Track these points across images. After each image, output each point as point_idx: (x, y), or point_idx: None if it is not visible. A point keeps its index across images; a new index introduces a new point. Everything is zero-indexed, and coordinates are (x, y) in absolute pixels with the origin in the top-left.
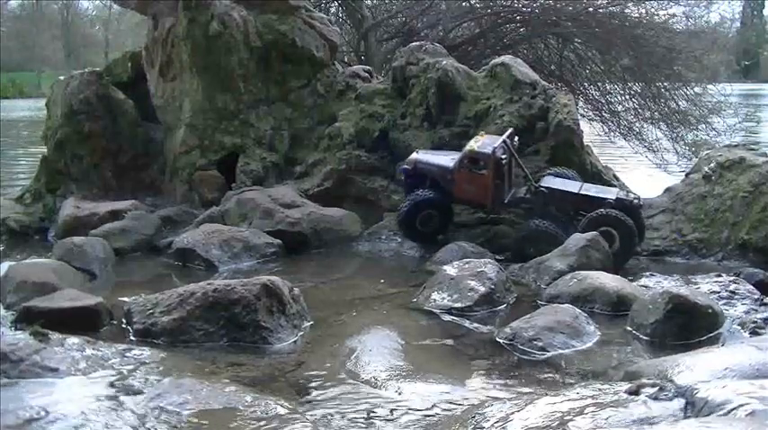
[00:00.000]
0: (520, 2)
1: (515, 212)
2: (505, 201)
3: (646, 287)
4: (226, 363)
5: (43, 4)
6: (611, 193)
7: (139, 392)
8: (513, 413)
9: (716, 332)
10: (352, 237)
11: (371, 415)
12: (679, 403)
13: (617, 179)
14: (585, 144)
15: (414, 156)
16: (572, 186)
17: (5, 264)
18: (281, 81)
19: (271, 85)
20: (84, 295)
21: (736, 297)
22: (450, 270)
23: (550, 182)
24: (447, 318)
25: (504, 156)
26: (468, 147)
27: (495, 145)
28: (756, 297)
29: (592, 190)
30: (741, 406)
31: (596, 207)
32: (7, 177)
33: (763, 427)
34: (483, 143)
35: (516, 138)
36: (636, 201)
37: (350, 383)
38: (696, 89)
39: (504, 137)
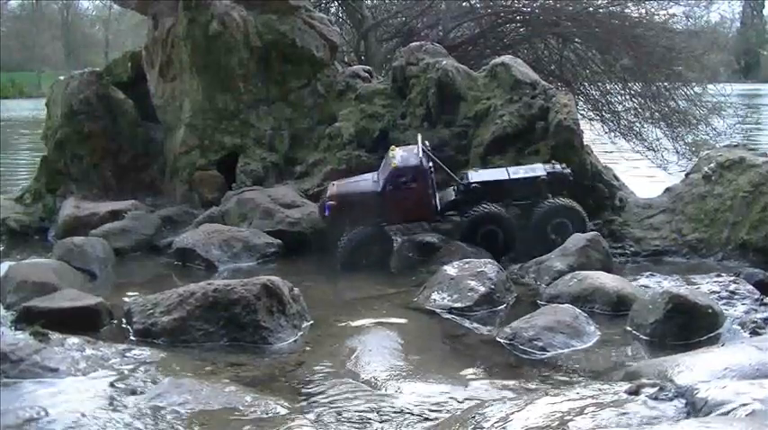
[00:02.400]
0: (520, 2)
1: None
2: (440, 208)
3: (646, 287)
4: (226, 363)
5: (43, 4)
6: (540, 170)
7: (139, 392)
8: (513, 413)
9: (716, 332)
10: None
11: (371, 415)
12: (679, 403)
13: (617, 179)
14: (585, 144)
15: (334, 189)
16: (500, 174)
17: (5, 264)
18: (281, 81)
19: (271, 85)
20: (84, 295)
21: (736, 297)
22: (451, 270)
23: (477, 176)
24: (447, 317)
25: (429, 164)
26: (392, 166)
27: (418, 154)
28: (756, 297)
29: (520, 172)
30: (741, 406)
31: (531, 187)
32: (7, 177)
33: (764, 427)
34: (402, 157)
35: (426, 143)
36: (566, 170)
37: (350, 383)
38: (696, 89)
39: (420, 144)
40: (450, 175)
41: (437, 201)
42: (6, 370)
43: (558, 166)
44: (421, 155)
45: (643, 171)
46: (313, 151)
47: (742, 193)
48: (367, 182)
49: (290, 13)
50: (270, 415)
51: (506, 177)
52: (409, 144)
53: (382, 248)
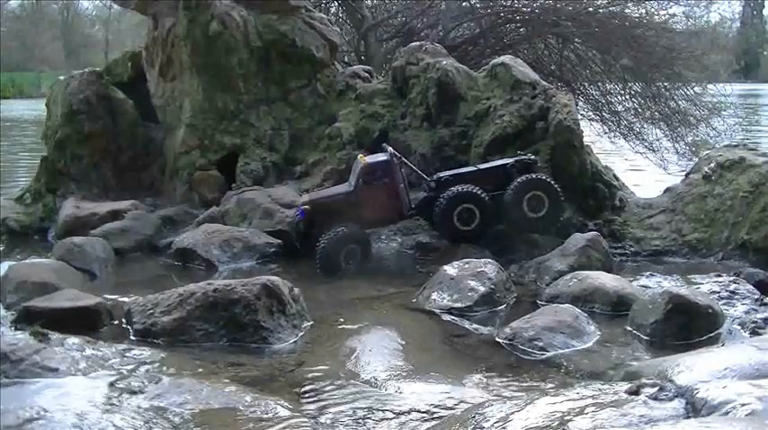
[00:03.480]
0: (520, 2)
1: None
2: (412, 207)
3: (646, 287)
4: (226, 363)
5: (43, 4)
6: (509, 159)
7: (139, 392)
8: (513, 413)
9: (716, 332)
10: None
11: (371, 415)
12: (679, 403)
13: (617, 179)
14: (585, 144)
15: (306, 197)
16: (467, 169)
17: (5, 264)
18: (280, 81)
19: (271, 85)
20: (84, 295)
21: (736, 297)
22: (451, 270)
23: (445, 173)
24: (447, 317)
25: (399, 161)
26: (362, 164)
27: (387, 154)
28: (756, 297)
29: (490, 163)
30: (741, 406)
31: (501, 176)
32: (7, 177)
33: (764, 427)
34: (372, 156)
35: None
36: (531, 157)
37: (350, 383)
38: (696, 89)
39: (389, 149)
40: (420, 175)
41: (409, 198)
42: (6, 370)
43: (523, 156)
44: (390, 151)
45: (643, 171)
46: (313, 151)
47: (742, 193)
48: (339, 186)
49: (290, 13)
50: (270, 415)
51: (475, 168)
52: (409, 144)
53: (361, 248)
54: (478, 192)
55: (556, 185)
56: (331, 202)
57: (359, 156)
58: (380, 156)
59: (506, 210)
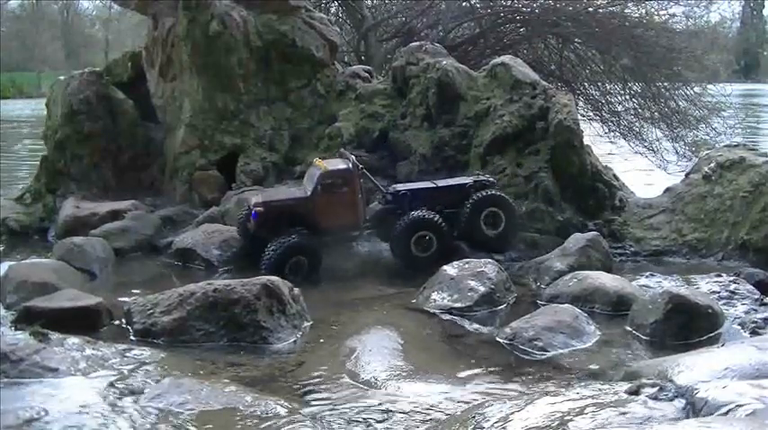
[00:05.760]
0: (520, 2)
1: None
2: (367, 218)
3: (646, 287)
4: (226, 363)
5: (43, 3)
6: (466, 179)
7: (139, 392)
8: (513, 413)
9: (716, 332)
10: (353, 238)
11: (371, 415)
12: (679, 403)
13: (617, 179)
14: (585, 144)
15: (257, 198)
16: (424, 185)
17: (5, 264)
18: (280, 81)
19: (271, 85)
20: (84, 295)
21: (736, 297)
22: (451, 270)
23: (402, 187)
24: (447, 318)
25: (360, 171)
26: (321, 170)
27: (348, 161)
28: (756, 297)
29: (449, 181)
30: (741, 406)
31: (460, 194)
32: (7, 177)
33: (764, 427)
34: (332, 163)
35: (351, 155)
36: (490, 179)
37: (350, 383)
38: (696, 89)
39: (346, 155)
40: (377, 186)
41: (365, 209)
42: (6, 370)
43: (482, 176)
44: (352, 160)
45: (643, 170)
46: (313, 151)
47: (742, 193)
48: (293, 190)
49: (290, 13)
50: (270, 415)
51: (432, 186)
52: (409, 144)
53: (309, 260)
54: (436, 220)
55: (512, 202)
56: (285, 207)
57: (315, 160)
58: (341, 164)
59: (464, 227)
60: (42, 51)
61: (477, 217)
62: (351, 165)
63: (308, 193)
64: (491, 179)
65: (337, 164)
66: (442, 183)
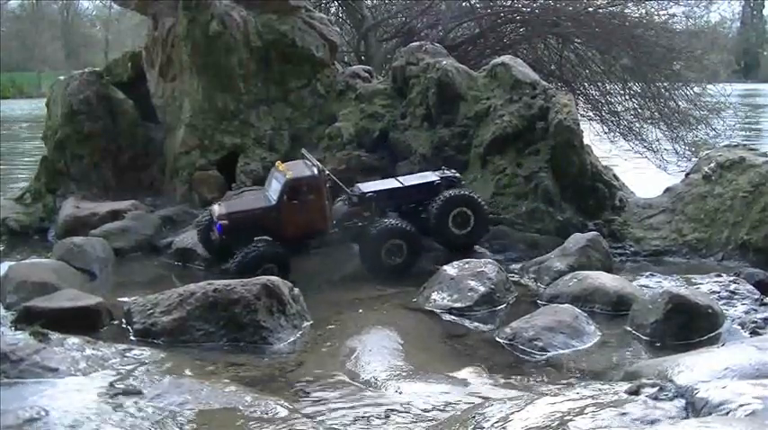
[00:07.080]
0: (520, 2)
1: None
2: (335, 222)
3: (646, 287)
4: (226, 363)
5: (43, 3)
6: (433, 176)
7: (139, 392)
8: (513, 413)
9: (716, 332)
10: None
11: (371, 415)
12: (679, 403)
13: (617, 179)
14: (585, 144)
15: (221, 209)
16: (390, 184)
17: (5, 264)
18: (280, 81)
19: (271, 85)
20: (84, 295)
21: (736, 297)
22: (451, 270)
23: (367, 188)
24: (447, 317)
25: (326, 177)
26: (287, 178)
27: (312, 166)
28: (756, 297)
29: (415, 179)
30: (741, 406)
31: (428, 192)
32: (7, 177)
33: (764, 427)
34: (296, 169)
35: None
36: (457, 174)
37: (350, 383)
38: (696, 89)
39: (309, 157)
40: (342, 188)
41: (332, 214)
42: (6, 370)
43: (447, 172)
44: (317, 166)
45: (644, 171)
46: (313, 151)
47: (742, 193)
48: (256, 198)
49: (290, 13)
50: (270, 415)
51: (399, 185)
52: (409, 144)
53: (279, 267)
54: (409, 229)
55: (481, 200)
56: (249, 218)
57: (277, 164)
58: (306, 171)
59: (432, 226)
60: (42, 51)
61: (446, 217)
62: (316, 171)
63: (273, 202)
64: (458, 175)
65: (302, 170)
66: (408, 181)
